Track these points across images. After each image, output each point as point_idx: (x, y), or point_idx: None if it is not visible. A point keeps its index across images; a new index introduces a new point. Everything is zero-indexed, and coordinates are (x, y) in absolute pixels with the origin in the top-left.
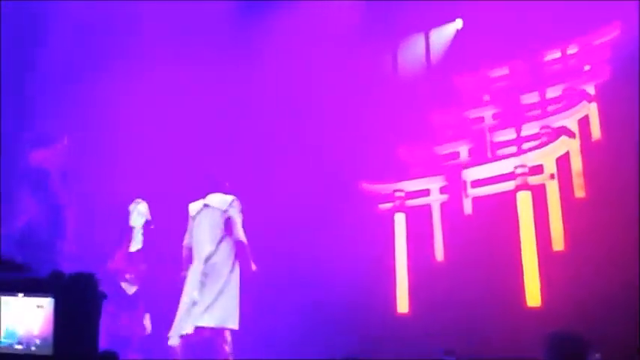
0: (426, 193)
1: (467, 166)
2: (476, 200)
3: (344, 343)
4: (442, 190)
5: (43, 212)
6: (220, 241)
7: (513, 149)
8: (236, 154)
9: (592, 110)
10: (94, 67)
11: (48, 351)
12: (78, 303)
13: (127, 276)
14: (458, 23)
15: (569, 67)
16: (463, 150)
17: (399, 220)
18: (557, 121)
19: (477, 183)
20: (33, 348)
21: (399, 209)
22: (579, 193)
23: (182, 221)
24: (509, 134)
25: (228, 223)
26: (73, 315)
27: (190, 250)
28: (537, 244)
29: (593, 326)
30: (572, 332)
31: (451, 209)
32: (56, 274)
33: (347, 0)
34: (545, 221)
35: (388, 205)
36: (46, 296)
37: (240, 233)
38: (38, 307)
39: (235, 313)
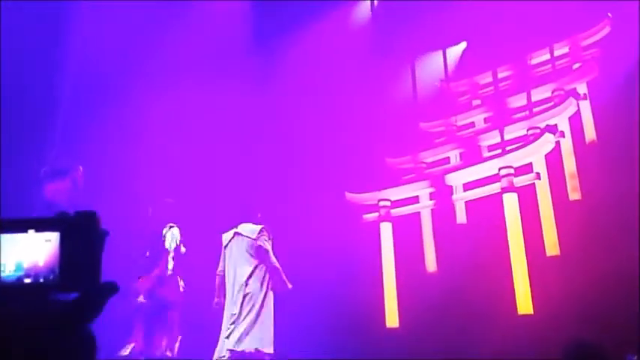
0: (413, 200)
1: (450, 170)
2: (467, 206)
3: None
4: (431, 197)
5: None
6: (253, 269)
7: (499, 151)
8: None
9: (585, 110)
10: (115, 98)
11: (53, 279)
12: (81, 237)
13: (160, 298)
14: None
15: (558, 68)
16: (453, 156)
17: (386, 230)
18: (546, 121)
19: (463, 187)
20: (41, 279)
21: (384, 219)
22: (574, 195)
23: (213, 249)
24: (498, 137)
25: (259, 251)
26: (77, 247)
27: (223, 277)
28: (529, 249)
29: (589, 334)
30: (593, 342)
31: (441, 216)
32: (62, 213)
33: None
34: (538, 225)
35: (373, 215)
36: (54, 231)
37: (272, 259)
38: (46, 241)
39: (271, 336)
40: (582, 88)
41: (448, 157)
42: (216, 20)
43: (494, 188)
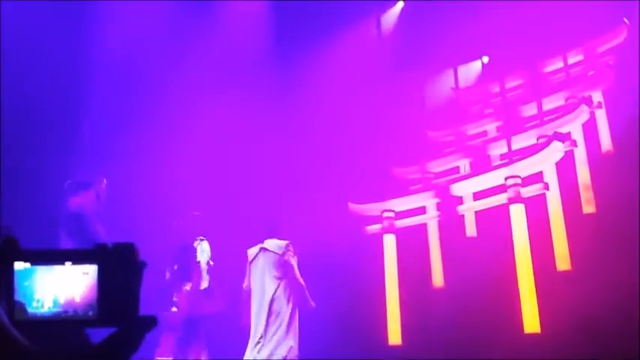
0: (418, 211)
1: (456, 180)
2: (477, 218)
3: None
4: (437, 208)
5: None
6: (279, 284)
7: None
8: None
9: (601, 119)
10: (142, 109)
11: (92, 315)
12: (120, 269)
13: (195, 312)
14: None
15: (573, 76)
16: (462, 165)
17: (389, 242)
18: (557, 129)
19: (473, 198)
20: (79, 314)
21: (388, 230)
22: (588, 208)
23: (239, 264)
24: (512, 145)
25: (284, 266)
26: (115, 281)
27: (249, 292)
28: (540, 263)
29: (600, 356)
30: None
31: (448, 228)
32: (100, 245)
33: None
34: (549, 238)
35: (377, 227)
36: (92, 264)
37: (297, 275)
38: (84, 273)
39: (296, 347)
40: (597, 97)
41: (457, 167)
42: (239, 31)
43: (500, 199)
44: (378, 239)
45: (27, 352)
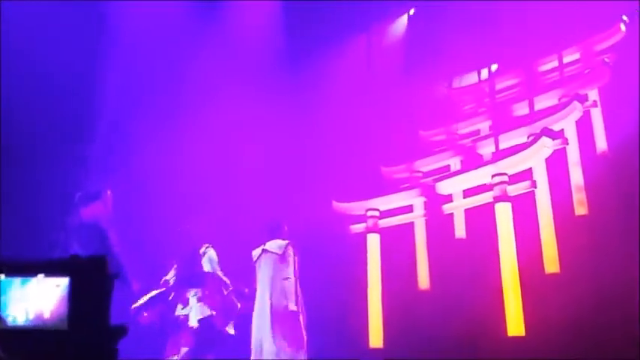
0: (404, 211)
1: (441, 178)
2: (466, 218)
3: None
4: (424, 207)
5: None
6: (280, 285)
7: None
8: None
9: (596, 118)
10: (149, 115)
11: (63, 326)
12: (91, 282)
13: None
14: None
15: (569, 74)
16: (452, 164)
17: (373, 241)
18: (549, 126)
19: (456, 197)
20: (49, 324)
21: (372, 230)
22: (580, 210)
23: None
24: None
25: (285, 266)
26: (86, 292)
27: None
28: (527, 264)
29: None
30: None
31: (435, 228)
32: (73, 257)
33: None
34: (537, 240)
35: (361, 226)
36: (64, 276)
37: (291, 276)
38: (56, 286)
39: (304, 346)
40: (593, 95)
41: (447, 166)
42: (250, 35)
43: (486, 197)
44: (362, 239)
45: None
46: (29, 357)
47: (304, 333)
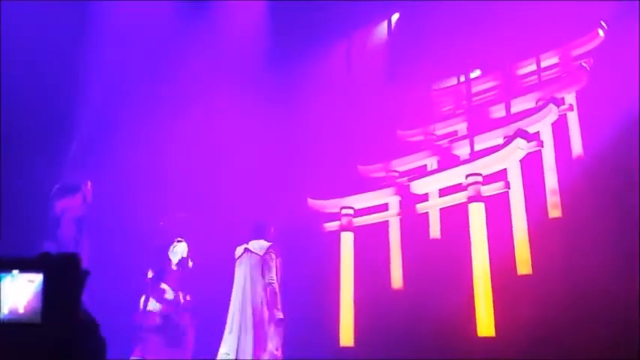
0: (379, 209)
1: (415, 178)
2: (442, 218)
3: None
4: (399, 206)
5: None
6: (258, 286)
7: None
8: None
9: (573, 123)
10: (130, 110)
11: (36, 320)
12: (64, 278)
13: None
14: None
15: (546, 78)
16: (429, 164)
17: (346, 240)
18: (524, 127)
19: (425, 196)
20: (23, 318)
21: (345, 228)
22: (554, 212)
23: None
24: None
25: (265, 269)
26: (59, 289)
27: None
28: (499, 265)
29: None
30: None
31: (410, 228)
32: (45, 254)
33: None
34: (510, 241)
35: (335, 224)
36: (38, 272)
37: (272, 280)
38: (29, 281)
39: (279, 347)
40: (570, 99)
41: (424, 166)
42: (238, 33)
43: (460, 197)
44: (336, 237)
45: None
46: (4, 349)
47: (276, 336)
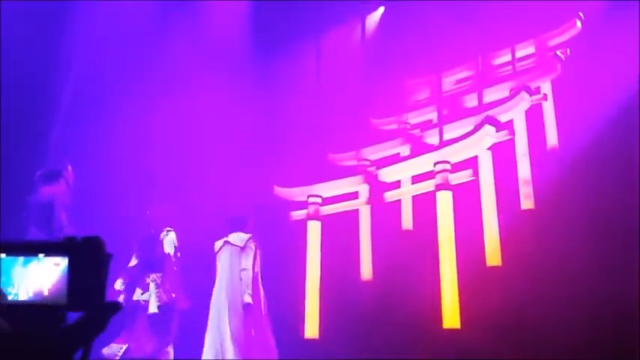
0: (348, 198)
1: (383, 166)
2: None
3: None
4: (368, 194)
5: None
6: (238, 278)
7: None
8: None
9: (548, 114)
10: (114, 100)
11: (63, 302)
12: (89, 261)
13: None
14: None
15: (522, 68)
16: (402, 152)
17: (313, 229)
18: (497, 116)
19: (396, 185)
20: (49, 300)
21: (313, 217)
22: (527, 204)
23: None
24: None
25: (245, 260)
26: (84, 271)
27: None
28: (468, 257)
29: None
30: None
31: (380, 217)
32: (70, 238)
33: None
34: (480, 232)
35: (302, 213)
36: (63, 255)
37: (248, 272)
38: (55, 265)
39: (270, 342)
40: (546, 89)
41: (396, 155)
42: (218, 26)
43: (428, 185)
44: (303, 226)
45: (6, 333)
46: (29, 330)
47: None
